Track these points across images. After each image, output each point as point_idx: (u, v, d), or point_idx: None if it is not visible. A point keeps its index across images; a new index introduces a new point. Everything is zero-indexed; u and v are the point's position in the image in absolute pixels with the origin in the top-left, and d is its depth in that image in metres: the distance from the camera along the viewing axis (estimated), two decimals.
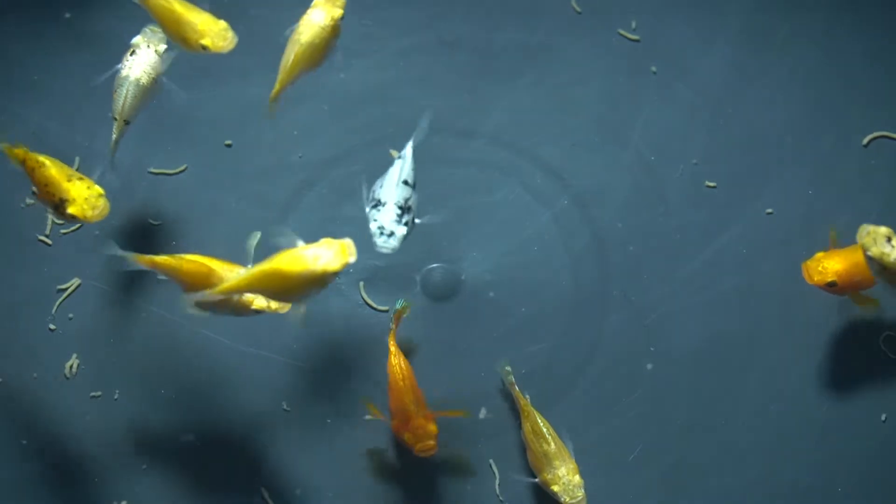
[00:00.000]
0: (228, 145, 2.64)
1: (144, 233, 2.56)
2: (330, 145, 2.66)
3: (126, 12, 2.71)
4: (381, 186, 2.37)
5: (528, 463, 2.37)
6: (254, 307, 2.19)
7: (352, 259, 2.08)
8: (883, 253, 2.19)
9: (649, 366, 2.50)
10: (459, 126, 2.67)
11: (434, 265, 2.57)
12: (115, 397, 2.46)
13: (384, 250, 2.33)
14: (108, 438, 2.44)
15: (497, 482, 2.41)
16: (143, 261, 2.23)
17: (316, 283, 2.09)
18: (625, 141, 2.66)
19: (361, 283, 2.55)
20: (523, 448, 2.40)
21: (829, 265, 2.35)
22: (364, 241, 2.56)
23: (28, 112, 2.65)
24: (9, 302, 2.51)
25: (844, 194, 2.61)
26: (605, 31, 2.74)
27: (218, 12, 2.70)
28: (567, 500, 2.29)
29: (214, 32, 2.28)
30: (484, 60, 2.72)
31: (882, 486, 2.44)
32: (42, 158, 2.25)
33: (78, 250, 2.54)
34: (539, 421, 2.35)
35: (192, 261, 2.21)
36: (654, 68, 2.71)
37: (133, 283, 2.52)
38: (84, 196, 2.23)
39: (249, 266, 2.19)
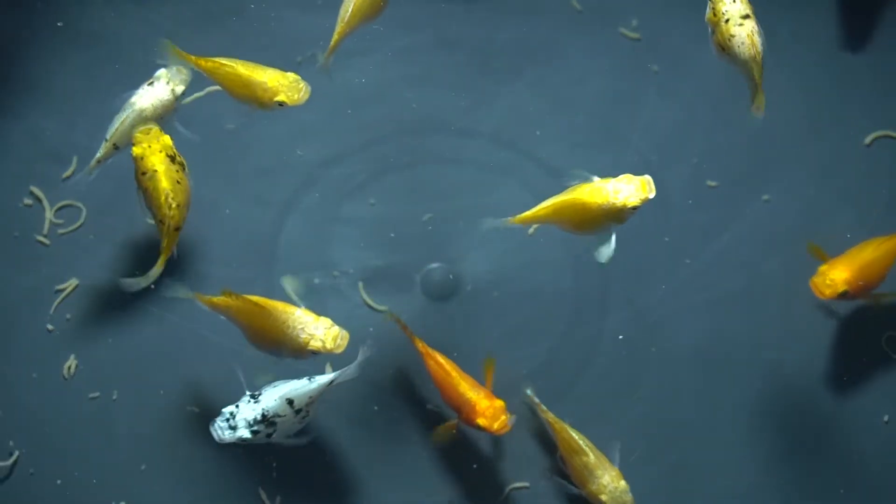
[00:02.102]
0: (231, 130, 2.64)
1: (143, 233, 2.55)
2: (330, 145, 2.65)
3: (125, 11, 2.71)
4: (273, 385, 2.26)
5: (571, 478, 2.35)
6: (310, 348, 2.20)
7: (651, 195, 2.14)
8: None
9: (620, 336, 2.50)
10: (459, 126, 2.67)
11: (434, 265, 2.56)
12: (114, 398, 2.45)
13: (213, 433, 2.21)
14: (107, 438, 2.43)
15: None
16: (203, 300, 2.26)
17: (613, 217, 2.15)
18: (625, 140, 2.65)
19: (361, 284, 2.54)
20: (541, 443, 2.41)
21: (836, 275, 2.34)
22: (363, 241, 2.57)
23: (27, 111, 2.64)
24: (7, 302, 2.51)
25: (845, 194, 2.60)
26: (605, 29, 2.73)
27: (218, 10, 2.71)
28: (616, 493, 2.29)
29: (286, 86, 2.25)
30: (484, 60, 2.71)
31: (884, 487, 2.43)
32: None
33: (76, 250, 2.53)
34: (574, 436, 2.33)
35: (247, 300, 2.24)
36: (654, 67, 2.70)
37: None
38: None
39: (302, 306, 2.23)
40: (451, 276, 2.54)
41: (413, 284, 2.55)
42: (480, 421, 2.26)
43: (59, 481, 2.40)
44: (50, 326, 2.49)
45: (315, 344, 2.20)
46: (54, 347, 2.48)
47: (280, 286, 2.35)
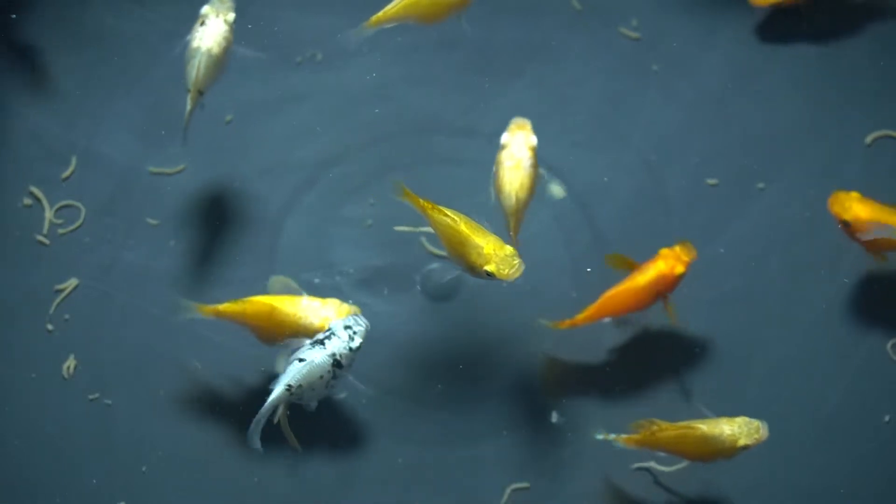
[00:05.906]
0: (229, 121, 2.64)
1: (143, 232, 2.55)
2: (330, 145, 2.65)
3: (125, 11, 2.71)
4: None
5: (692, 461, 2.35)
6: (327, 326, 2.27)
7: None
8: None
9: (588, 269, 2.51)
10: (459, 126, 2.67)
11: (434, 265, 2.56)
12: (113, 399, 2.45)
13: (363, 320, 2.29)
14: (107, 439, 2.43)
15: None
16: (206, 311, 2.32)
17: None
18: (626, 140, 2.65)
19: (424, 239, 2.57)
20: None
21: (856, 208, 2.35)
22: (363, 241, 2.57)
23: (27, 111, 2.64)
24: (6, 302, 2.51)
25: None
26: (605, 29, 2.73)
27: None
28: (759, 435, 2.28)
29: (500, 258, 2.18)
30: (484, 59, 2.71)
31: (885, 488, 2.43)
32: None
33: (76, 251, 2.54)
34: (678, 429, 2.29)
35: (254, 302, 2.30)
36: (655, 67, 2.70)
37: (131, 284, 2.52)
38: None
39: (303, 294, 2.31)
40: (428, 288, 2.55)
41: (413, 284, 2.55)
42: (679, 269, 2.39)
43: (58, 481, 2.40)
44: (50, 326, 2.49)
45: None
46: (54, 347, 2.48)
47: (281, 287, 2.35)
